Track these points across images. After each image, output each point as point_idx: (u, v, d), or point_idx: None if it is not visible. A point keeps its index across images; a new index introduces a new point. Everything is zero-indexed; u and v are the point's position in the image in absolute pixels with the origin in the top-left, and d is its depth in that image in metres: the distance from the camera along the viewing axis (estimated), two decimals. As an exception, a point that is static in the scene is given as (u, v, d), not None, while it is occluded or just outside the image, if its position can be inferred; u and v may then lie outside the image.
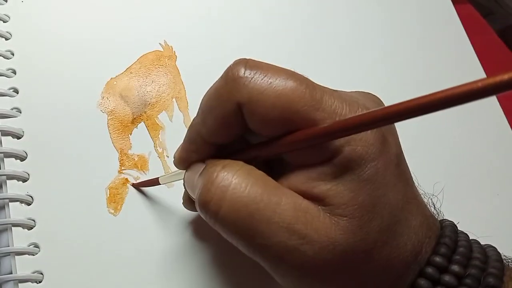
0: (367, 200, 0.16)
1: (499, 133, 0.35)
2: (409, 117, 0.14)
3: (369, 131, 0.17)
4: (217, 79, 0.19)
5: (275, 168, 0.19)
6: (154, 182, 0.25)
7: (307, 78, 0.18)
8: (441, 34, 0.37)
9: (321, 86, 0.17)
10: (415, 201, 0.18)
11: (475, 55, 0.37)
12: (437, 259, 0.17)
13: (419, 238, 0.17)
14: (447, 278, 0.17)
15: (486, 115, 0.35)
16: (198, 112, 0.19)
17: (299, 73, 0.18)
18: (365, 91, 0.19)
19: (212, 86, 0.19)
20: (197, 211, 0.25)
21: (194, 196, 0.19)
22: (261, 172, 0.18)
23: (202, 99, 0.19)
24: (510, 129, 0.35)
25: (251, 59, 0.18)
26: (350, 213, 0.16)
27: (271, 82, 0.17)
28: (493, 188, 0.32)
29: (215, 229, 0.18)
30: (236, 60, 0.18)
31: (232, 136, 0.19)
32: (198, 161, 0.20)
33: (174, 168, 0.27)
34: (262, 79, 0.17)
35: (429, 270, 0.17)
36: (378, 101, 0.19)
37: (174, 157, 0.21)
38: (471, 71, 0.37)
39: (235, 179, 0.17)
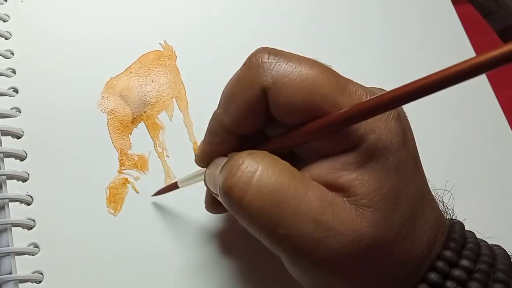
0: (391, 191, 0.16)
1: (499, 133, 0.35)
2: (428, 93, 0.14)
3: (392, 122, 0.17)
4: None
5: (297, 160, 0.18)
6: (173, 187, 0.24)
7: (330, 68, 0.18)
8: (441, 34, 0.37)
9: (343, 76, 0.17)
10: (430, 196, 0.18)
11: (475, 55, 0.37)
12: (448, 253, 0.17)
13: (433, 232, 0.17)
14: (457, 272, 0.17)
15: (486, 115, 0.35)
16: (219, 103, 0.19)
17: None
18: (380, 88, 0.19)
19: (234, 75, 0.19)
20: (222, 213, 0.24)
21: (215, 190, 0.19)
22: (286, 162, 0.17)
23: (224, 89, 0.19)
24: (510, 129, 0.35)
25: (274, 48, 0.18)
26: (375, 204, 0.16)
27: (296, 67, 0.17)
28: (493, 188, 0.32)
29: (238, 218, 0.17)
30: (258, 48, 0.18)
31: (256, 125, 0.19)
32: (220, 156, 0.20)
33: (173, 168, 0.27)
34: (287, 63, 0.17)
35: (440, 264, 0.17)
36: None
37: (195, 155, 0.21)
38: (471, 71, 0.37)
39: (261, 166, 0.16)
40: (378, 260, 0.16)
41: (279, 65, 0.17)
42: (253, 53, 0.18)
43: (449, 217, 0.20)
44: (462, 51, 0.37)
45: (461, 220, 0.19)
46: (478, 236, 0.19)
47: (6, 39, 0.28)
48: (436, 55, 0.36)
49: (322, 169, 0.17)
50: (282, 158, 0.18)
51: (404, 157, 0.17)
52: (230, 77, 0.19)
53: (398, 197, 0.16)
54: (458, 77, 0.13)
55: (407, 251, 0.17)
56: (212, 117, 0.20)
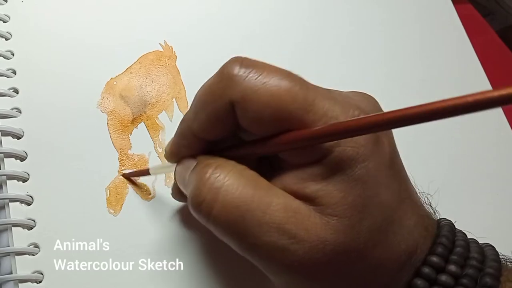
0: (357, 200, 0.16)
1: (499, 133, 0.35)
2: (395, 126, 0.14)
3: None
4: None
5: (267, 168, 0.19)
6: (144, 172, 0.25)
7: (301, 79, 0.18)
8: (441, 34, 0.37)
9: (315, 87, 0.18)
10: (410, 201, 0.18)
11: (475, 55, 0.37)
12: (434, 259, 0.17)
13: (414, 238, 0.17)
14: (443, 278, 0.17)
15: (486, 115, 0.35)
16: (190, 107, 0.19)
17: (295, 73, 0.18)
18: (361, 92, 0.19)
19: (206, 82, 0.19)
20: (185, 202, 0.25)
21: (184, 190, 0.20)
22: (254, 172, 0.18)
23: (196, 94, 0.19)
24: (510, 129, 0.35)
25: (247, 58, 0.18)
26: (341, 213, 0.16)
27: (265, 82, 0.17)
28: (492, 188, 0.32)
29: (208, 228, 0.18)
30: (232, 58, 0.18)
31: (223, 133, 0.19)
32: (190, 156, 0.20)
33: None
34: (257, 78, 0.17)
35: (426, 270, 0.17)
36: (373, 101, 0.19)
37: (165, 151, 0.22)
38: (471, 71, 0.37)
39: (227, 181, 0.17)
40: (348, 266, 0.17)
41: (248, 79, 0.17)
42: (225, 63, 0.18)
43: (443, 219, 0.20)
44: (462, 51, 0.37)
45: (459, 221, 0.19)
46: (472, 236, 0.19)
47: (6, 39, 0.28)
48: (436, 55, 0.37)
49: (291, 178, 0.18)
50: (253, 165, 0.18)
51: (373, 166, 0.17)
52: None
53: (366, 205, 0.16)
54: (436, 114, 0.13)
55: (380, 257, 0.17)
56: (182, 119, 0.20)
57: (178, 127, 0.21)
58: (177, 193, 0.24)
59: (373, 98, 0.19)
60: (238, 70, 0.17)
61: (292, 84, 0.17)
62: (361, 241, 0.16)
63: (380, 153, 0.17)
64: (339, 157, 0.16)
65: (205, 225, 0.18)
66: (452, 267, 0.17)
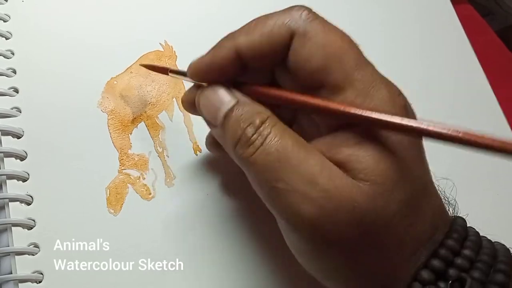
0: (390, 169, 0.16)
1: (499, 133, 0.35)
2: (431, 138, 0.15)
3: (398, 109, 0.17)
4: None
5: (300, 133, 0.19)
6: (164, 70, 0.24)
7: (361, 50, 0.18)
8: (441, 34, 0.37)
9: (371, 63, 0.18)
10: (432, 184, 0.19)
11: (474, 55, 0.37)
12: (451, 242, 0.17)
13: (435, 219, 0.18)
14: (459, 261, 0.17)
15: (486, 115, 0.35)
16: (243, 26, 0.20)
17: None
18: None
19: (272, 12, 0.19)
20: (220, 154, 0.25)
21: (212, 121, 0.20)
22: (294, 132, 0.18)
23: (258, 17, 0.19)
24: (510, 129, 0.35)
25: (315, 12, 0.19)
26: (373, 179, 0.16)
27: (329, 29, 0.18)
28: (493, 187, 0.32)
29: (243, 168, 0.19)
30: (297, 5, 0.19)
31: (265, 62, 0.19)
32: (223, 84, 0.20)
33: (174, 169, 0.27)
34: (323, 25, 0.18)
35: (443, 251, 0.17)
36: (399, 93, 0.19)
37: (190, 66, 0.21)
38: (471, 71, 0.37)
39: (273, 130, 0.18)
40: (373, 235, 0.17)
41: (315, 20, 0.18)
42: (295, 5, 0.19)
43: (452, 211, 0.20)
44: (462, 51, 0.37)
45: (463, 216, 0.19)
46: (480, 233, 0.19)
47: (7, 39, 0.28)
48: (436, 55, 0.36)
49: (323, 144, 0.18)
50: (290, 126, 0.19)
51: (407, 142, 0.17)
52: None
53: (398, 176, 0.17)
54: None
55: (405, 231, 0.17)
56: (228, 34, 0.20)
57: (220, 40, 0.20)
58: (211, 144, 0.24)
59: (397, 88, 0.19)
60: (306, 14, 0.18)
61: (351, 44, 0.18)
62: (389, 211, 0.16)
63: None
64: None
65: (241, 165, 0.18)
66: (468, 252, 0.17)
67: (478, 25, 0.44)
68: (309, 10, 0.19)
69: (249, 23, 0.19)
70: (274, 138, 0.17)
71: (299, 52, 0.18)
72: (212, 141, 0.25)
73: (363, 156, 0.17)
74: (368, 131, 0.17)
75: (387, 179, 0.16)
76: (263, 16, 0.19)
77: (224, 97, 0.19)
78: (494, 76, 0.36)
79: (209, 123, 0.20)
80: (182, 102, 0.24)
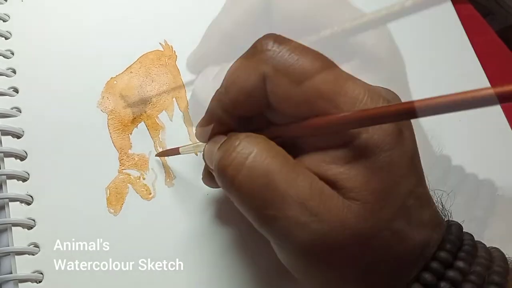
0: (380, 187, 0.16)
1: (499, 133, 0.35)
2: (430, 114, 0.14)
3: None
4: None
5: (290, 149, 0.19)
6: (175, 151, 0.25)
7: (333, 62, 0.18)
8: (441, 34, 0.37)
9: (345, 72, 0.18)
10: (426, 196, 0.18)
11: (475, 55, 0.37)
12: (443, 254, 0.17)
13: (427, 232, 0.17)
14: (451, 273, 0.17)
15: (486, 115, 0.35)
16: (222, 83, 0.19)
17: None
18: (386, 87, 0.19)
19: (239, 58, 0.19)
20: (215, 188, 0.25)
21: (211, 165, 0.19)
22: (281, 149, 0.18)
23: (228, 70, 0.19)
24: (510, 129, 0.35)
25: (281, 35, 0.18)
26: (363, 198, 0.16)
27: (298, 59, 0.17)
28: (493, 189, 0.32)
29: (230, 196, 0.18)
30: (265, 34, 0.18)
31: (255, 109, 0.19)
32: (220, 134, 0.20)
33: (174, 169, 0.27)
34: (290, 54, 0.17)
35: (434, 265, 0.17)
36: (395, 95, 0.19)
37: (195, 129, 0.22)
38: (471, 71, 0.37)
39: (256, 149, 0.17)
40: (364, 254, 0.17)
41: (281, 55, 0.17)
42: (259, 39, 0.18)
43: (447, 219, 0.20)
44: (462, 51, 0.37)
45: (459, 222, 0.19)
46: (476, 238, 0.19)
47: (6, 39, 0.28)
48: (436, 55, 0.36)
49: (314, 160, 0.17)
50: (280, 144, 0.18)
51: (397, 155, 0.17)
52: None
53: (387, 194, 0.16)
54: (465, 104, 0.14)
55: (396, 247, 0.17)
56: (213, 96, 0.20)
57: (209, 104, 0.20)
58: (207, 176, 0.24)
59: (394, 92, 0.19)
60: (271, 45, 0.17)
61: (325, 65, 0.17)
62: (380, 229, 0.16)
63: (404, 144, 0.17)
64: (365, 143, 0.16)
65: (228, 192, 0.18)
66: (461, 263, 0.17)
67: (479, 24, 0.43)
68: (273, 40, 0.17)
69: (226, 76, 0.19)
70: (260, 158, 0.17)
71: (277, 93, 0.17)
72: (205, 174, 0.24)
73: (354, 174, 0.16)
74: (358, 149, 0.17)
75: (377, 197, 0.16)
76: (234, 65, 0.19)
77: (217, 139, 0.20)
78: (494, 76, 0.36)
79: (212, 170, 0.20)
80: (203, 177, 0.24)
